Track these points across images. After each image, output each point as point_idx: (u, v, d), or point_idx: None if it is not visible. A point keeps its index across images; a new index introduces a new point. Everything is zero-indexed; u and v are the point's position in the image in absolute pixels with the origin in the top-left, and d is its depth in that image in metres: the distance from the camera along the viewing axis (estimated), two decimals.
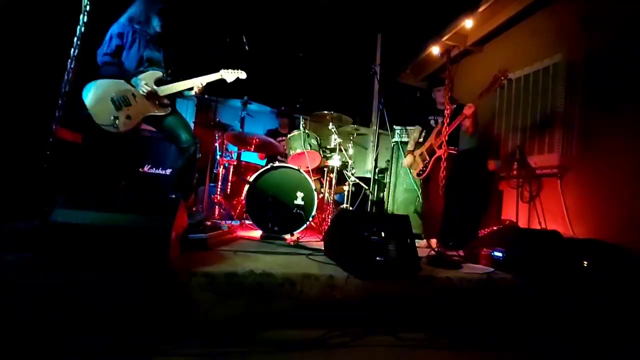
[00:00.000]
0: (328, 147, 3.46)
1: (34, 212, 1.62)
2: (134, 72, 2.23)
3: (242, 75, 2.49)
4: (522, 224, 3.43)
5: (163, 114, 2.29)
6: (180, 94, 2.38)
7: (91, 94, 2.12)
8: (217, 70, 2.44)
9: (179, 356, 1.16)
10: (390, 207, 3.94)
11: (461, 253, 2.42)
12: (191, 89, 2.36)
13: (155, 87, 2.24)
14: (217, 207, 3.44)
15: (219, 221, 2.98)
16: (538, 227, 3.26)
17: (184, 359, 1.15)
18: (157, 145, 3.04)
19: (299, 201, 2.74)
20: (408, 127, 3.99)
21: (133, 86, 2.19)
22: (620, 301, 1.90)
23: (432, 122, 3.17)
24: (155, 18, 2.31)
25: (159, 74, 2.29)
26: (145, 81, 2.21)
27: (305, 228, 2.73)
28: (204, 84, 2.38)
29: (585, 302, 1.86)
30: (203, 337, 1.26)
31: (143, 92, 2.18)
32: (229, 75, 2.45)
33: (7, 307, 1.19)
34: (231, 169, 3.52)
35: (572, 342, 1.62)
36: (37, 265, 1.26)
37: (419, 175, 3.15)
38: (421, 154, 3.11)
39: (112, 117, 2.11)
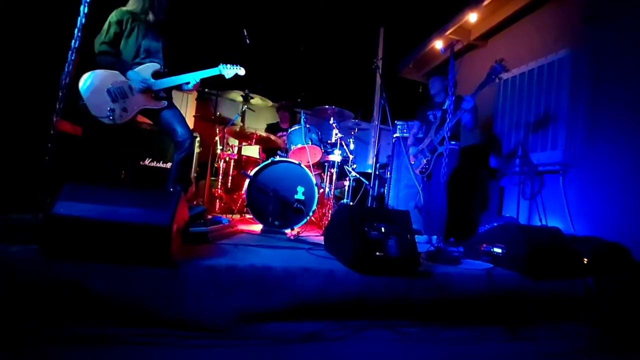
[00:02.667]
0: (329, 141, 3.45)
1: (38, 204, 1.62)
2: (130, 62, 2.20)
3: (241, 71, 2.46)
4: (523, 220, 3.43)
5: (159, 107, 2.27)
6: (177, 87, 2.36)
7: (87, 84, 2.09)
8: (216, 65, 2.40)
9: (180, 348, 1.17)
10: (390, 203, 3.94)
11: (461, 249, 2.42)
12: (188, 83, 2.33)
13: (152, 80, 2.22)
14: (217, 201, 3.45)
15: (220, 215, 2.99)
16: (539, 224, 3.26)
17: (184, 351, 1.16)
18: (158, 139, 3.03)
19: (299, 196, 2.74)
20: (409, 122, 3.97)
21: (129, 79, 2.16)
22: (620, 299, 1.91)
23: (430, 117, 3.13)
24: (158, 5, 2.26)
25: (156, 66, 2.25)
26: (142, 75, 2.18)
27: (305, 223, 2.73)
28: (200, 79, 2.34)
29: (586, 299, 1.87)
30: (204, 330, 1.27)
31: (140, 89, 2.16)
32: (228, 71, 2.42)
33: (11, 297, 1.21)
34: (232, 163, 3.52)
35: (573, 340, 1.63)
36: (41, 257, 1.26)
37: (421, 173, 3.11)
38: (422, 151, 3.08)
39: (107, 109, 2.08)
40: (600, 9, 3.12)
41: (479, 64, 4.73)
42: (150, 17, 2.26)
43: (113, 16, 2.17)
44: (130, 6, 2.24)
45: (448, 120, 2.41)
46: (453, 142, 2.88)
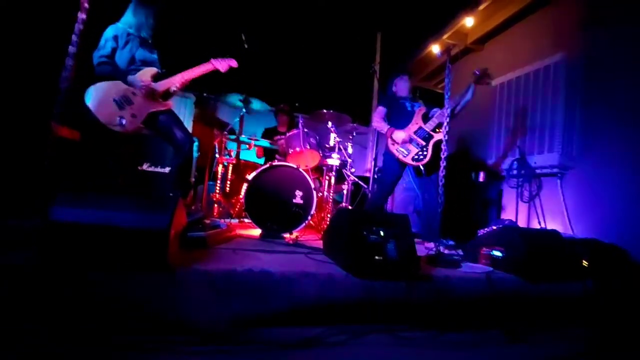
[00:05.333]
0: (327, 145, 3.46)
1: (35, 210, 1.61)
2: (126, 70, 2.25)
3: (233, 63, 2.50)
4: (522, 223, 3.44)
5: (165, 108, 2.30)
6: (168, 92, 2.37)
7: (93, 97, 2.14)
8: (208, 60, 2.44)
9: (179, 353, 1.16)
10: (389, 206, 3.94)
11: (460, 252, 2.42)
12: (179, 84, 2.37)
13: (153, 82, 2.26)
14: (216, 205, 3.43)
15: (218, 220, 2.98)
16: (537, 227, 3.27)
17: (183, 357, 1.15)
18: (156, 144, 3.02)
19: (298, 200, 2.73)
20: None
21: (130, 85, 2.21)
22: (618, 300, 1.91)
23: (407, 105, 3.05)
24: (147, 21, 2.34)
25: (154, 70, 2.31)
26: (143, 78, 2.22)
27: (304, 227, 2.72)
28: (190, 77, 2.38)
29: (586, 301, 1.87)
30: (202, 335, 1.26)
31: (140, 86, 2.20)
32: (221, 64, 2.45)
33: (10, 303, 1.20)
34: (230, 168, 3.51)
35: (572, 342, 1.62)
36: (39, 262, 1.26)
37: (415, 160, 2.86)
38: (410, 136, 2.88)
39: (117, 117, 2.15)
40: (594, 14, 3.16)
41: (475, 68, 4.76)
42: (144, 33, 2.35)
43: (109, 32, 2.25)
44: (123, 23, 2.32)
45: (447, 107, 2.41)
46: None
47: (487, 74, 2.82)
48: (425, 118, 2.92)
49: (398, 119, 3.00)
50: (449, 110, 2.42)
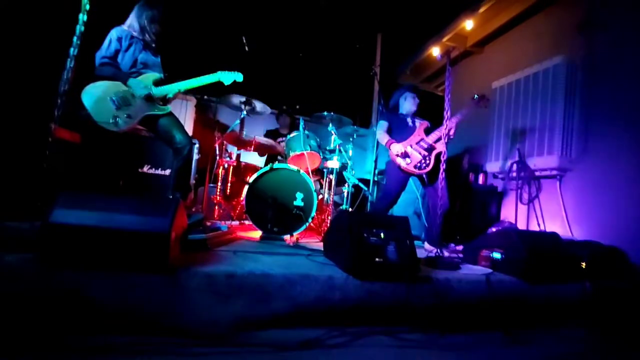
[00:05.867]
0: (328, 148, 3.46)
1: (36, 212, 1.62)
2: (128, 72, 2.26)
3: (239, 77, 2.52)
4: (521, 225, 3.44)
5: (162, 112, 2.31)
6: (165, 97, 2.38)
7: (90, 95, 2.14)
8: (215, 72, 2.46)
9: (179, 355, 1.16)
10: None
11: (460, 254, 2.43)
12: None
13: (153, 87, 2.27)
14: (216, 207, 3.43)
15: (219, 222, 2.98)
16: (537, 229, 3.27)
17: (184, 358, 1.15)
18: (157, 146, 3.03)
19: (298, 202, 2.74)
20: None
21: (130, 88, 2.22)
22: (617, 302, 1.91)
23: (408, 119, 3.10)
24: (150, 25, 2.35)
25: (157, 75, 2.32)
26: (144, 83, 2.23)
27: (304, 229, 2.73)
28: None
29: (585, 303, 1.87)
30: (203, 337, 1.26)
31: (142, 95, 2.21)
32: (226, 77, 2.48)
33: (9, 305, 1.20)
34: (231, 170, 3.52)
35: (572, 343, 1.62)
36: (39, 265, 1.26)
37: (417, 168, 2.88)
38: (411, 146, 2.92)
39: (112, 116, 2.14)
40: (594, 17, 3.18)
41: (475, 70, 4.78)
42: (147, 37, 2.36)
43: (113, 33, 2.27)
44: (127, 26, 2.33)
45: (447, 118, 2.44)
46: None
47: (485, 98, 2.91)
48: (428, 132, 2.96)
49: (400, 133, 3.03)
50: (449, 113, 2.44)
